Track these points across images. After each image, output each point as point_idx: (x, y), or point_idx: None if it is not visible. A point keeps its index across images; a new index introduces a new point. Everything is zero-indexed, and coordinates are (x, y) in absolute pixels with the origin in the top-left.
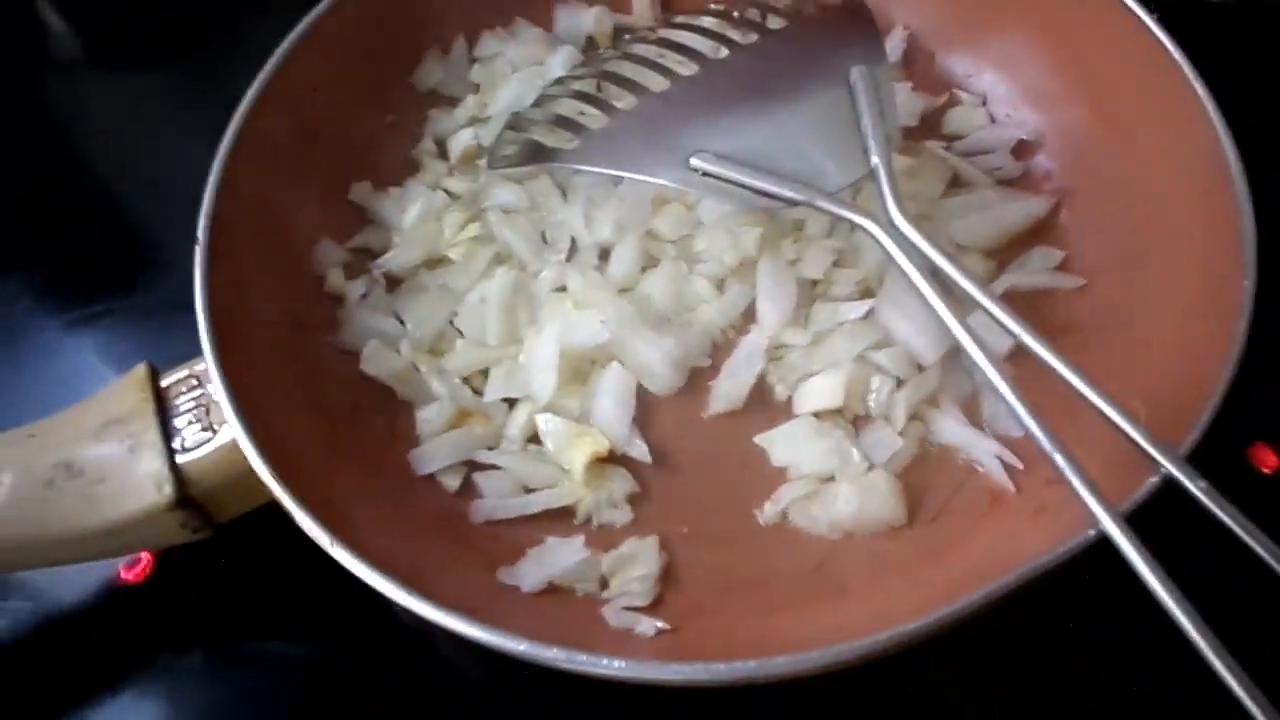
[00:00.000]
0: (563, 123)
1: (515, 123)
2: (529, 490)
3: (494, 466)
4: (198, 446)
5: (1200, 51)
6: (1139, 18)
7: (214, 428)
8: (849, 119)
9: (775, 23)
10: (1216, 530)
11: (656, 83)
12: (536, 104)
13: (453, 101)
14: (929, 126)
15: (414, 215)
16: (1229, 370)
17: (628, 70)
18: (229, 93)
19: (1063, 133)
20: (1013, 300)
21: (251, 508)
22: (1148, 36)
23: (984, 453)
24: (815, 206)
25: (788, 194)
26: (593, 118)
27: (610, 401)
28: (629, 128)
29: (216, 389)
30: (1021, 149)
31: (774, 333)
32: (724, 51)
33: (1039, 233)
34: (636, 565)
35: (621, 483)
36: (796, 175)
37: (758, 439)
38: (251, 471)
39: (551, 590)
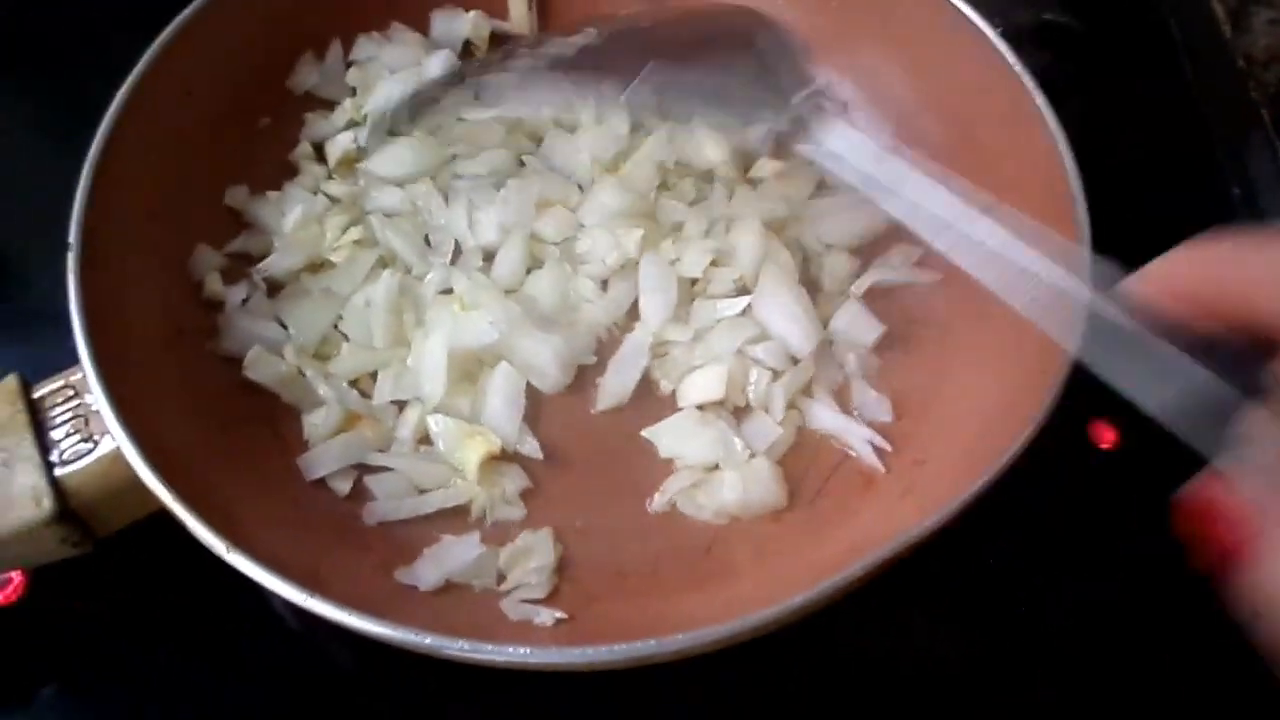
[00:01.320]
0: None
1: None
2: (422, 491)
3: (386, 469)
4: (77, 459)
5: (1046, 68)
6: (984, 34)
7: (94, 438)
8: (762, 73)
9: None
10: None
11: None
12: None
13: (329, 105)
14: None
15: (294, 219)
16: (1070, 355)
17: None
18: (94, 99)
19: (918, 141)
20: (876, 295)
21: (133, 519)
22: (993, 53)
23: (856, 438)
24: (759, 119)
25: (735, 110)
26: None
27: (500, 401)
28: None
29: (96, 398)
30: None
31: (657, 329)
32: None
33: (900, 232)
34: (532, 558)
35: (514, 480)
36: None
37: (645, 433)
38: (136, 482)
39: (449, 588)
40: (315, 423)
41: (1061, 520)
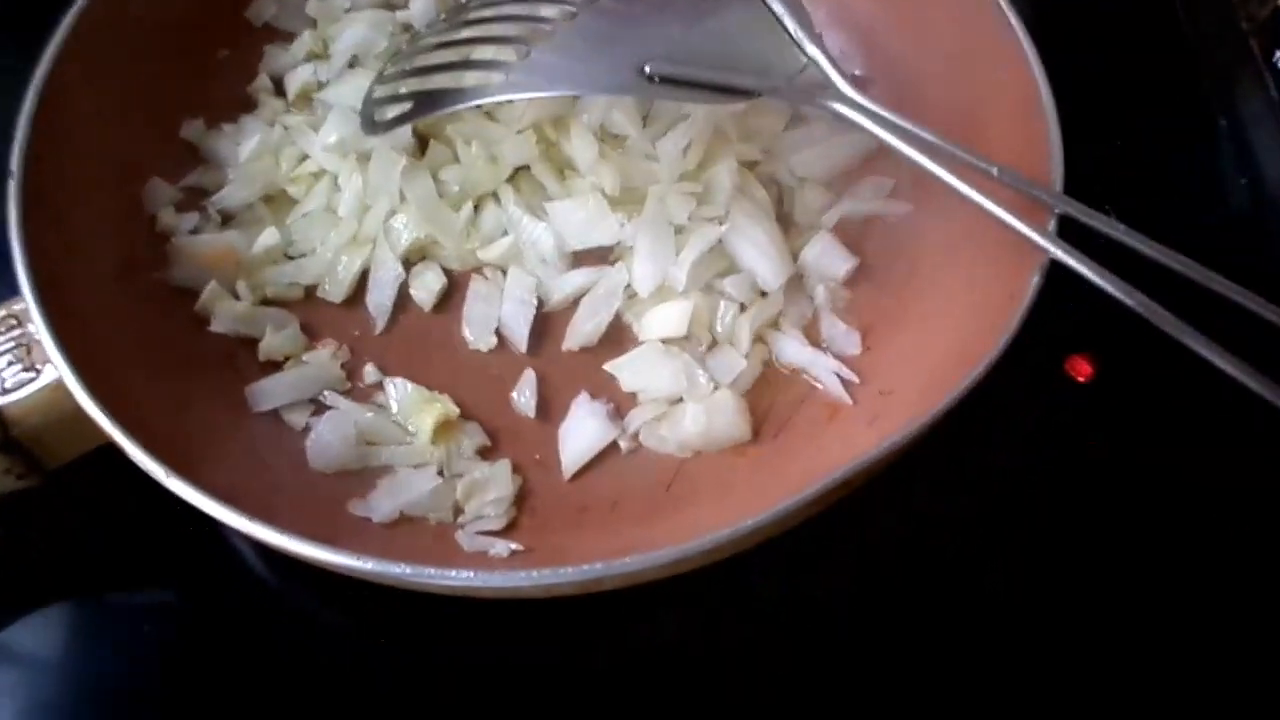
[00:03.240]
0: (451, 66)
1: (386, 79)
2: (370, 444)
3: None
4: (19, 388)
5: None
6: None
7: (36, 368)
8: (768, 21)
9: None
10: None
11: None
12: (394, 62)
13: (289, 37)
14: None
15: (250, 150)
16: (1038, 278)
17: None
18: (38, 25)
19: (888, 71)
20: (846, 228)
21: (82, 452)
22: None
23: (823, 369)
24: (776, 95)
25: (749, 84)
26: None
27: (511, 305)
28: (552, 50)
29: (38, 328)
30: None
31: (649, 289)
32: None
33: (871, 164)
34: (490, 489)
35: (473, 437)
36: (744, 71)
37: (607, 366)
38: (80, 413)
39: (404, 520)
40: (270, 347)
41: (1036, 454)
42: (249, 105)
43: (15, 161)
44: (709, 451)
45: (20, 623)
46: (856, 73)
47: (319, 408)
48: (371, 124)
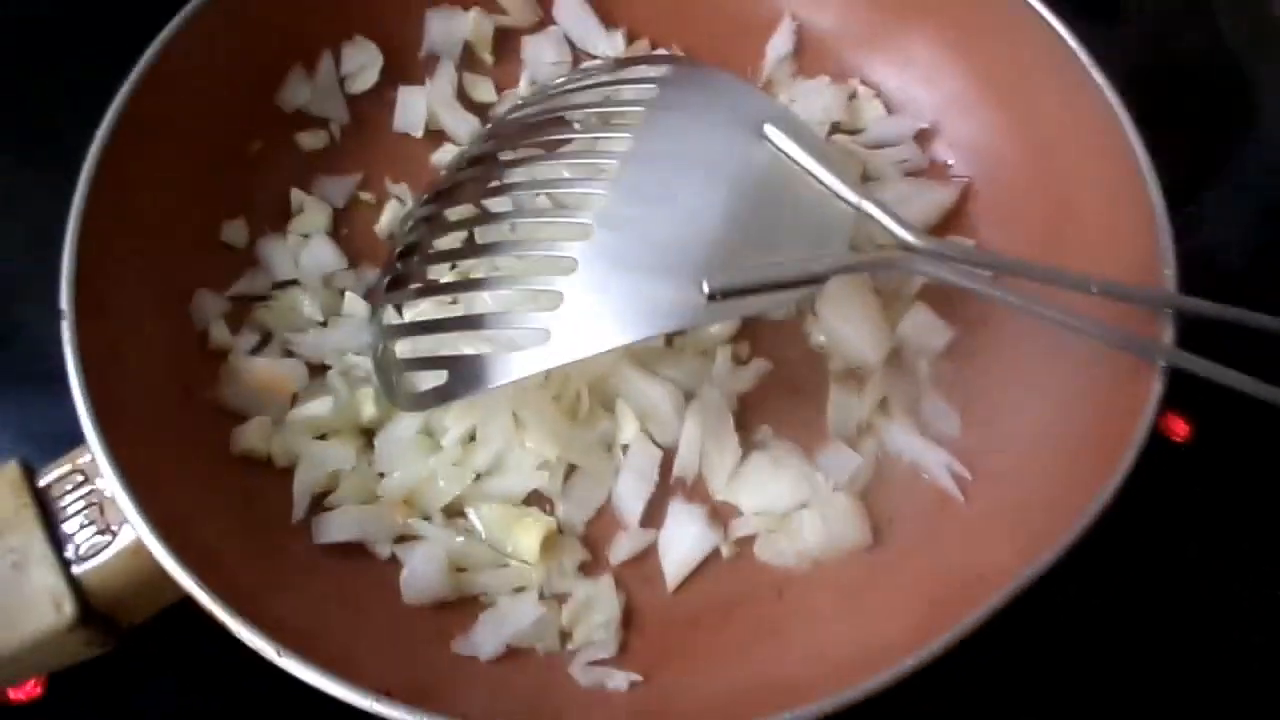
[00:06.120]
0: (477, 322)
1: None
2: (461, 570)
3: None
4: (95, 554)
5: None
6: (1034, 10)
7: (111, 529)
8: (796, 173)
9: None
10: None
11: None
12: (407, 253)
13: (322, 123)
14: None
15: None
16: (1162, 358)
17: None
18: (65, 142)
19: (960, 121)
20: (928, 293)
21: (159, 609)
22: (1043, 28)
23: (934, 462)
24: (849, 270)
25: (816, 271)
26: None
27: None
28: (587, 290)
29: (109, 484)
30: (921, 137)
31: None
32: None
33: (950, 223)
34: (596, 610)
35: (573, 554)
36: (796, 249)
37: (721, 496)
38: (161, 573)
39: (511, 654)
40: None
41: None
42: (287, 206)
43: (64, 298)
44: (827, 561)
45: None
46: (923, 126)
47: (403, 537)
48: (393, 390)
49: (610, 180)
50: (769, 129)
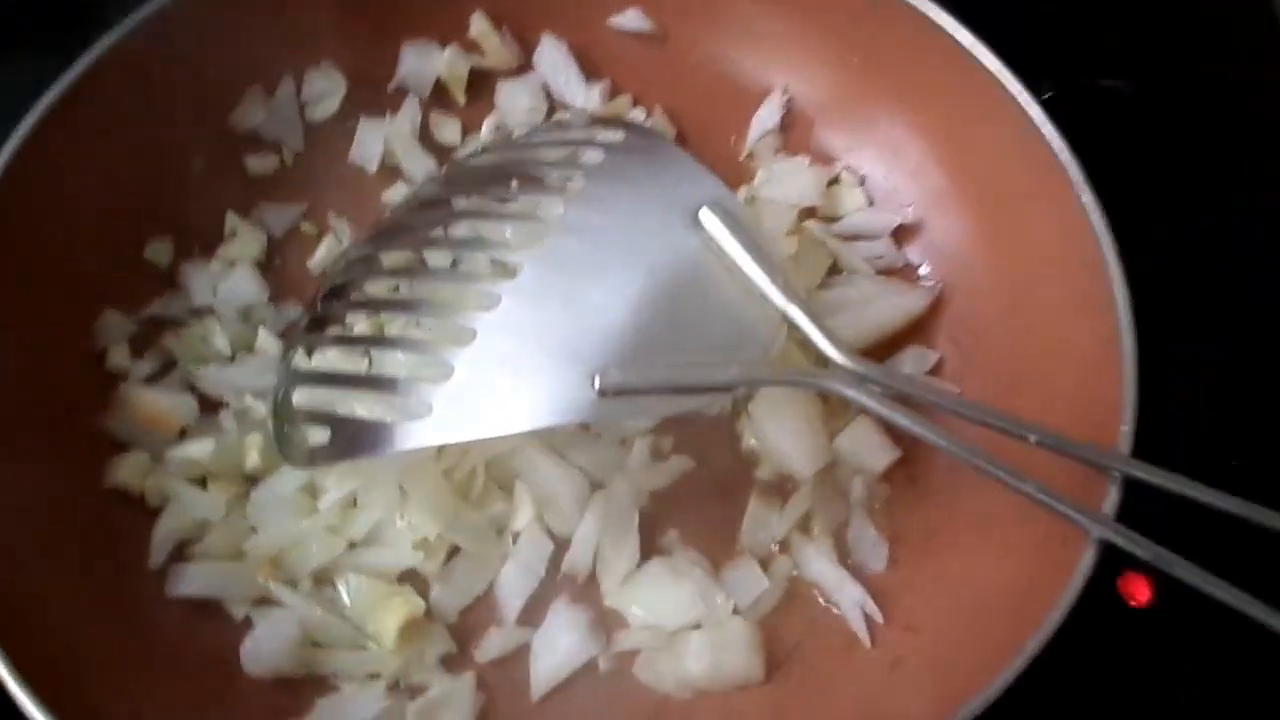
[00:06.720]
0: (373, 383)
1: (300, 380)
2: (315, 644)
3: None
4: None
5: (1089, 138)
6: (1023, 109)
7: None
8: (724, 267)
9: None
10: None
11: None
12: (333, 294)
13: (274, 148)
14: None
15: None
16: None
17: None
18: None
19: (941, 221)
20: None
21: None
22: (1031, 128)
23: (848, 599)
24: (756, 383)
25: (720, 380)
26: (416, 370)
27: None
28: (478, 366)
29: None
30: (899, 234)
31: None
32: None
33: (912, 331)
34: (449, 710)
35: (437, 643)
36: (710, 352)
37: (609, 601)
38: None
39: None
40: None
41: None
42: (220, 233)
43: None
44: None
45: None
46: (903, 222)
47: (262, 599)
48: (283, 439)
49: (534, 249)
50: (704, 214)
